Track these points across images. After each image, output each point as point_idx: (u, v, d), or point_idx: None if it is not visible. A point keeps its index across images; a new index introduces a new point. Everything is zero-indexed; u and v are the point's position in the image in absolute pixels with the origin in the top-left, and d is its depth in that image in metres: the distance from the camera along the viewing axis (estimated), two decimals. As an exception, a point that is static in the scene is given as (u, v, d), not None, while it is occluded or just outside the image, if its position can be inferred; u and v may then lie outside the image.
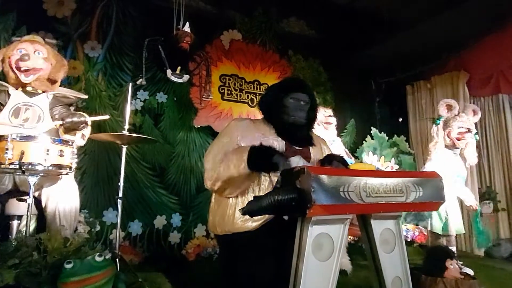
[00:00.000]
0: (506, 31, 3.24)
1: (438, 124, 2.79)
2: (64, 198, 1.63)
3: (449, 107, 2.75)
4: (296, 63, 3.91)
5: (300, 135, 1.63)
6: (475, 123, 2.83)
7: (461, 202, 2.77)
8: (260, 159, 1.38)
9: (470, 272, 2.11)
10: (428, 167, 2.70)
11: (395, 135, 4.00)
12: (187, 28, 2.40)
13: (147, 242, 2.87)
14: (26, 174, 1.45)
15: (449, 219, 2.55)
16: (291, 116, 1.58)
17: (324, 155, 1.73)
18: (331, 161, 1.56)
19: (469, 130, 2.65)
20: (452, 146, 2.70)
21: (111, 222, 2.75)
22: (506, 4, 2.99)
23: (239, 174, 1.40)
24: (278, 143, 1.57)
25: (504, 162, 3.85)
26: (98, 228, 2.56)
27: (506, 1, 2.96)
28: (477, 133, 2.88)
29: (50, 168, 1.47)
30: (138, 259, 2.64)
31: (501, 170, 3.86)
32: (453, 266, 1.89)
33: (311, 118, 1.66)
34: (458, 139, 2.65)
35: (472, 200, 2.66)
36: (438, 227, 2.59)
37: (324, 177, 1.20)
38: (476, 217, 2.67)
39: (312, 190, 1.16)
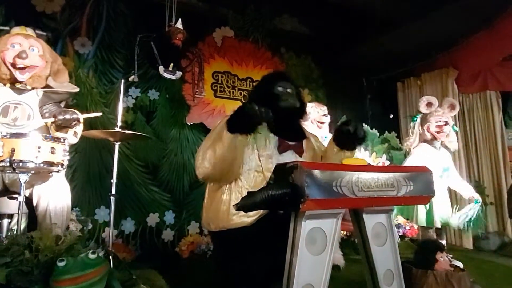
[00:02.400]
0: (494, 29, 3.31)
1: (415, 120, 2.87)
2: (55, 196, 1.61)
3: (430, 104, 2.82)
4: (288, 60, 3.92)
5: (293, 125, 1.65)
6: (455, 116, 2.95)
7: (450, 195, 2.83)
8: (237, 118, 1.37)
9: (460, 264, 2.16)
10: (408, 163, 2.76)
11: (386, 132, 4.05)
12: (179, 24, 2.38)
13: (140, 240, 2.86)
14: (17, 171, 1.43)
15: (433, 211, 2.59)
16: (283, 101, 1.59)
17: (317, 151, 1.75)
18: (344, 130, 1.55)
19: (446, 123, 2.73)
20: (432, 140, 2.77)
21: (103, 220, 2.72)
22: (494, 3, 3.05)
23: (224, 146, 1.39)
24: (271, 138, 1.58)
25: (491, 157, 3.94)
26: (90, 226, 2.54)
27: (494, 1, 3.02)
28: (454, 125, 2.96)
29: (42, 165, 1.44)
30: (131, 257, 2.62)
31: (489, 165, 3.95)
32: (443, 259, 1.93)
33: (301, 106, 1.69)
34: (438, 132, 2.73)
35: (469, 191, 2.72)
36: (422, 220, 2.63)
37: (317, 172, 1.21)
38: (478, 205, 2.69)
39: (305, 185, 1.17)
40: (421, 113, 2.85)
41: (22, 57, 1.69)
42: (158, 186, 3.08)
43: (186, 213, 3.13)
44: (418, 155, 2.73)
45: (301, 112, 1.71)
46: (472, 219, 2.57)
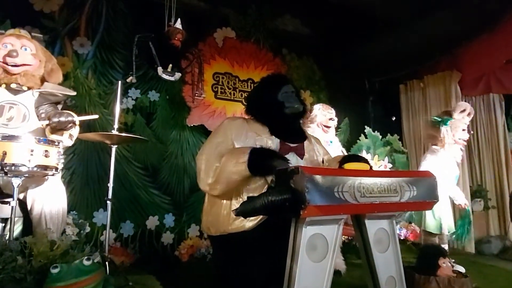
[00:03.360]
0: (497, 31, 3.27)
1: (447, 125, 2.76)
2: (50, 200, 1.57)
3: (464, 111, 2.79)
4: (290, 62, 3.89)
5: (294, 128, 1.65)
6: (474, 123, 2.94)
7: (452, 201, 2.80)
8: (261, 162, 1.38)
9: (462, 270, 2.13)
10: (424, 167, 2.71)
11: (389, 134, 4.01)
12: (178, 24, 2.35)
13: (139, 243, 2.82)
14: (9, 175, 1.39)
15: (442, 218, 2.58)
16: (287, 108, 1.60)
17: (317, 154, 1.72)
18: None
19: (468, 131, 2.74)
20: (450, 146, 2.72)
21: (102, 223, 2.69)
22: (498, 4, 3.01)
23: (240, 176, 1.40)
24: (272, 142, 1.56)
25: (494, 161, 3.91)
26: (88, 229, 2.50)
27: (498, 2, 2.99)
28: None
29: (35, 169, 1.41)
30: (130, 261, 2.58)
31: (491, 169, 3.92)
32: (445, 265, 1.90)
33: (304, 105, 1.69)
34: (463, 139, 2.71)
35: (462, 199, 2.69)
36: (432, 227, 2.61)
37: (318, 177, 1.18)
38: (466, 216, 2.69)
39: (306, 190, 1.14)
40: (453, 118, 2.78)
41: (12, 55, 1.68)
42: (158, 188, 3.05)
43: (186, 216, 3.09)
44: (434, 160, 2.68)
45: (302, 113, 1.71)
46: (465, 232, 2.57)
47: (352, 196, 1.24)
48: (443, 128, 2.77)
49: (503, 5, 3.02)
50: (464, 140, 2.72)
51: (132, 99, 3.04)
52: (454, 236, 2.64)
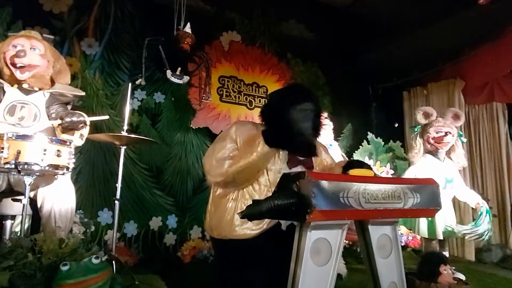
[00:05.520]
0: (502, 40, 3.30)
1: (416, 132, 2.86)
2: (60, 199, 1.60)
3: (426, 115, 2.80)
4: (294, 66, 3.93)
5: (304, 145, 1.59)
6: (460, 127, 2.90)
7: (455, 205, 2.80)
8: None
9: (462, 277, 2.14)
10: (408, 173, 2.74)
11: (391, 141, 4.04)
12: (188, 28, 2.38)
13: (142, 244, 2.85)
14: (22, 174, 1.42)
15: (436, 223, 2.56)
16: (298, 128, 1.54)
17: (325, 163, 1.73)
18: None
19: (446, 133, 2.68)
20: (435, 151, 2.74)
21: (106, 223, 2.72)
22: (502, 13, 3.04)
23: (258, 156, 1.43)
24: (280, 153, 1.55)
25: (496, 169, 3.91)
26: (93, 228, 2.53)
27: (503, 11, 3.01)
28: (462, 136, 2.91)
29: (47, 168, 1.44)
30: (133, 261, 2.61)
31: (493, 177, 3.92)
32: (446, 272, 1.91)
33: (317, 125, 1.63)
34: (437, 142, 2.70)
35: (476, 198, 2.67)
36: (425, 232, 2.61)
37: (324, 183, 1.20)
38: (486, 213, 2.61)
39: (312, 195, 1.16)
40: (420, 124, 2.83)
41: (19, 55, 1.70)
42: (162, 189, 3.07)
43: (188, 217, 3.11)
44: (420, 166, 2.72)
45: (317, 131, 1.65)
46: (488, 231, 2.52)
47: (357, 201, 1.25)
48: (413, 135, 2.88)
49: (507, 14, 3.04)
50: (438, 142, 2.69)
51: (138, 100, 3.08)
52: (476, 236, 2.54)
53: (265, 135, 1.44)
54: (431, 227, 2.58)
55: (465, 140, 3.08)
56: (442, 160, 2.75)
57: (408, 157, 2.97)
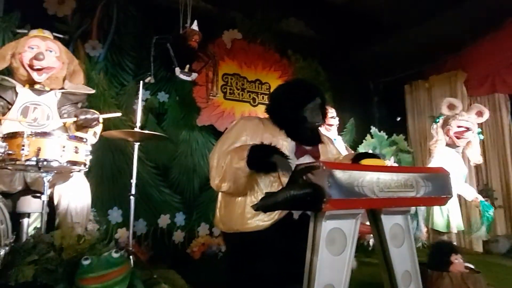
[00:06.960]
0: (503, 31, 3.31)
1: (438, 122, 2.82)
2: (76, 196, 1.62)
3: (452, 106, 2.77)
4: (295, 63, 3.94)
5: (311, 133, 1.64)
6: (480, 124, 2.84)
7: (460, 199, 2.82)
8: (259, 158, 1.38)
9: (473, 267, 2.15)
10: (431, 165, 2.74)
11: (394, 134, 4.05)
12: (195, 26, 2.40)
13: (152, 241, 2.86)
14: (42, 170, 1.44)
15: (450, 217, 2.59)
16: (309, 123, 1.60)
17: (331, 154, 1.75)
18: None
19: (467, 129, 2.66)
20: (453, 145, 2.73)
21: (116, 221, 2.73)
22: (503, 4, 3.05)
23: (243, 173, 1.41)
24: (288, 144, 1.57)
25: (500, 161, 3.92)
26: (104, 226, 2.55)
27: (504, 2, 3.03)
28: (481, 133, 2.89)
29: (66, 164, 1.46)
30: (144, 258, 2.62)
31: (497, 168, 3.93)
32: (458, 261, 1.92)
33: (324, 115, 1.68)
34: (457, 137, 2.68)
35: (473, 194, 2.69)
36: (440, 225, 2.62)
37: (339, 172, 1.22)
38: (487, 207, 2.63)
39: (328, 185, 1.18)
40: (443, 115, 2.79)
41: (39, 58, 1.72)
42: (169, 187, 3.09)
43: (196, 214, 3.13)
44: (440, 158, 2.68)
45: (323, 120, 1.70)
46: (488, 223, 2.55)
47: (371, 190, 1.27)
48: (434, 125, 2.83)
49: (508, 5, 3.05)
50: (458, 137, 2.66)
51: (142, 100, 3.07)
52: (478, 232, 2.58)
53: (248, 157, 1.39)
54: (447, 221, 2.57)
55: (482, 137, 3.04)
56: (460, 154, 2.74)
57: (428, 145, 2.92)
